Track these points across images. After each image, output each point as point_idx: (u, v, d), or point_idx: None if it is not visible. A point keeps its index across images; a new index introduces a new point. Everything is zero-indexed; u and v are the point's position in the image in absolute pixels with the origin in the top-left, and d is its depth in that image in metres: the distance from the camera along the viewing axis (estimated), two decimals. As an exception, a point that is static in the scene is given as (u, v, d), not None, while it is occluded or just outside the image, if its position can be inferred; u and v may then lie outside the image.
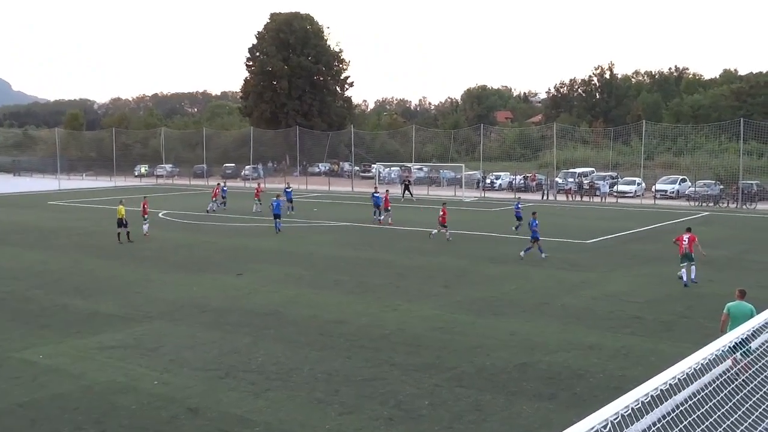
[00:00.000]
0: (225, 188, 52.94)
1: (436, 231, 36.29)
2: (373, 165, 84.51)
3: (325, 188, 74.55)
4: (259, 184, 58.22)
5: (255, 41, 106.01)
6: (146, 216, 37.99)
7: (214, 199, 51.52)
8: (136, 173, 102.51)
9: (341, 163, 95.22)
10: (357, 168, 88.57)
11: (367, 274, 26.79)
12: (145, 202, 39.13)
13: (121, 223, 35.93)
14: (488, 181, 72.58)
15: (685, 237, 24.93)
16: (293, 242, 35.43)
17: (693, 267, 24.80)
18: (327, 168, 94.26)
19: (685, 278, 24.44)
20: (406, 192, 61.96)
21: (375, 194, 45.41)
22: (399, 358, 16.40)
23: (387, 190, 46.94)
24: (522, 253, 29.95)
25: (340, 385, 14.55)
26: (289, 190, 49.44)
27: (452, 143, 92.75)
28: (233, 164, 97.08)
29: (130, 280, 25.80)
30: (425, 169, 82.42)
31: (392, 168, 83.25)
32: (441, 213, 35.96)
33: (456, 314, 20.48)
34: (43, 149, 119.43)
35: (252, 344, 17.59)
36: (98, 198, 64.51)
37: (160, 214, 47.99)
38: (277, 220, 39.53)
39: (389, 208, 43.95)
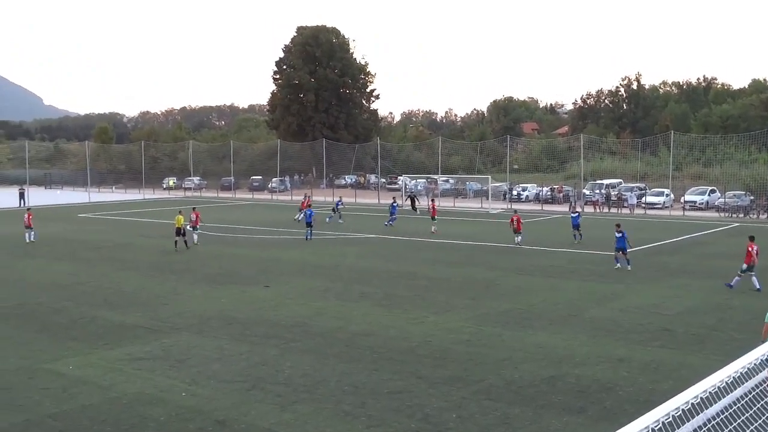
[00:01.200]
0: (340, 201, 56.09)
1: (519, 239, 38.10)
2: (399, 177, 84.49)
3: (352, 200, 74.68)
4: (305, 195, 59.01)
5: (282, 54, 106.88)
6: (197, 227, 40.20)
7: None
8: (165, 186, 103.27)
9: (367, 175, 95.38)
10: (383, 180, 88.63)
11: (394, 286, 26.78)
12: (197, 213, 41.15)
13: (179, 232, 37.96)
14: (515, 192, 72.29)
15: (754, 247, 25.53)
16: (320, 254, 35.53)
17: (753, 276, 25.49)
18: (353, 180, 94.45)
19: (758, 285, 25.05)
20: (413, 205, 61.55)
21: (394, 204, 50.26)
22: (426, 370, 16.33)
23: (432, 200, 48.62)
24: (628, 267, 29.74)
25: (367, 398, 14.51)
26: (339, 201, 55.71)
27: (478, 155, 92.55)
28: (260, 177, 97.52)
29: (158, 292, 25.99)
30: (451, 180, 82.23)
31: (418, 180, 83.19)
32: (515, 220, 38.13)
33: (483, 326, 20.38)
34: (74, 162, 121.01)
35: (279, 356, 17.61)
36: (127, 210, 65.15)
37: (188, 227, 48.31)
38: (309, 228, 41.77)
39: (435, 217, 45.50)
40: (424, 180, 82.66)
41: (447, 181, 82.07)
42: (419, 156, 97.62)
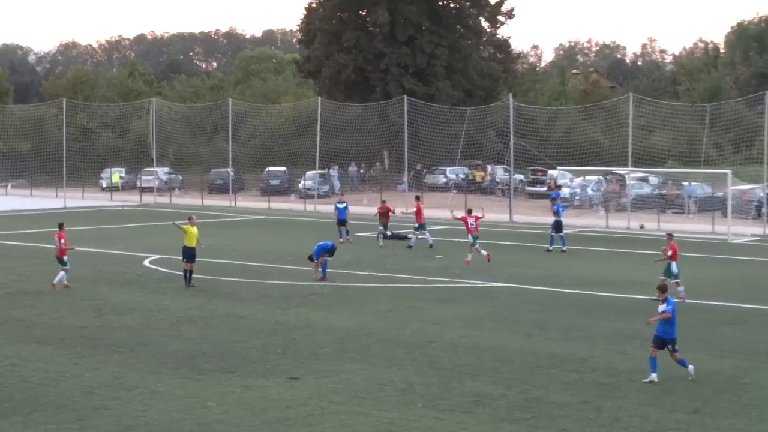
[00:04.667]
0: (345, 207, 60.48)
1: None
2: (551, 171, 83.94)
3: (460, 215, 74.31)
4: (418, 199, 59.52)
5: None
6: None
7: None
8: (105, 184, 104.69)
9: (490, 167, 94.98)
10: (520, 176, 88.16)
11: (539, 382, 26.65)
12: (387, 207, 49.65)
13: (188, 255, 41.29)
14: (779, 203, 71.07)
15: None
16: (394, 319, 35.68)
17: None
18: (463, 176, 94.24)
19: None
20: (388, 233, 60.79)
21: (558, 205, 56.37)
22: None
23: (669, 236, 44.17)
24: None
25: None
26: (345, 207, 60.60)
27: (706, 129, 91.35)
28: (283, 169, 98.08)
29: (91, 385, 26.30)
30: (653, 179, 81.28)
31: (588, 177, 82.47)
32: None
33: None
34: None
35: None
36: (36, 230, 66.20)
37: (145, 262, 49.03)
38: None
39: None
40: (600, 177, 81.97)
41: (644, 179, 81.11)
42: (590, 130, 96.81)
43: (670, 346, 27.20)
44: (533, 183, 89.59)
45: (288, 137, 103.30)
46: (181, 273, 42.27)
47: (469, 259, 49.12)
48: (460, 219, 52.41)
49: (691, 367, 27.11)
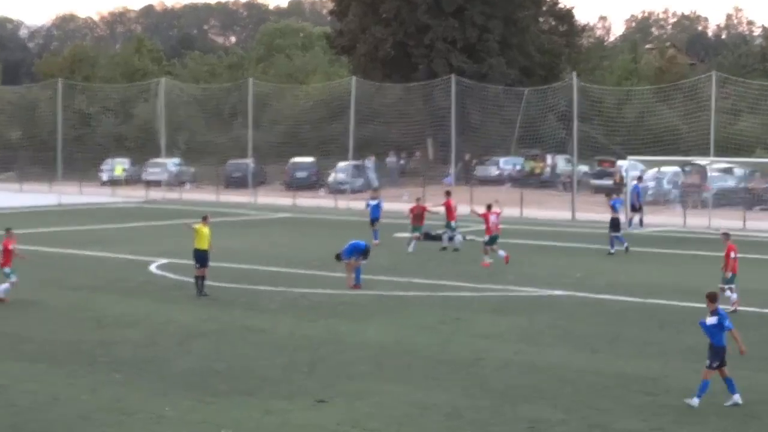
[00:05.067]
0: (378, 203, 61.12)
1: None
2: (620, 162, 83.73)
3: (515, 212, 74.16)
4: (448, 195, 59.27)
5: None
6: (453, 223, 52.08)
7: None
8: (106, 177, 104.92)
9: (550, 156, 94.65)
10: (584, 168, 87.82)
11: (604, 405, 26.59)
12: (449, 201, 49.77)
13: (200, 259, 41.30)
14: None
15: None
16: (439, 332, 35.62)
17: None
18: (519, 167, 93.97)
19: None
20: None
21: (615, 200, 55.26)
22: None
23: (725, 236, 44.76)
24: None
25: None
26: (378, 203, 61.61)
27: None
28: (311, 159, 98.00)
29: (87, 409, 26.34)
30: (738, 170, 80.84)
31: (662, 168, 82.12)
32: None
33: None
34: None
35: None
36: (27, 230, 66.52)
37: (151, 267, 49.13)
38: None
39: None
40: (677, 168, 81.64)
41: (729, 171, 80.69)
42: (666, 113, 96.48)
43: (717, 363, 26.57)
44: (599, 175, 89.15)
45: (317, 123, 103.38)
46: (193, 280, 42.41)
47: (490, 261, 50.16)
48: (480, 215, 52.85)
49: (737, 395, 26.59)
